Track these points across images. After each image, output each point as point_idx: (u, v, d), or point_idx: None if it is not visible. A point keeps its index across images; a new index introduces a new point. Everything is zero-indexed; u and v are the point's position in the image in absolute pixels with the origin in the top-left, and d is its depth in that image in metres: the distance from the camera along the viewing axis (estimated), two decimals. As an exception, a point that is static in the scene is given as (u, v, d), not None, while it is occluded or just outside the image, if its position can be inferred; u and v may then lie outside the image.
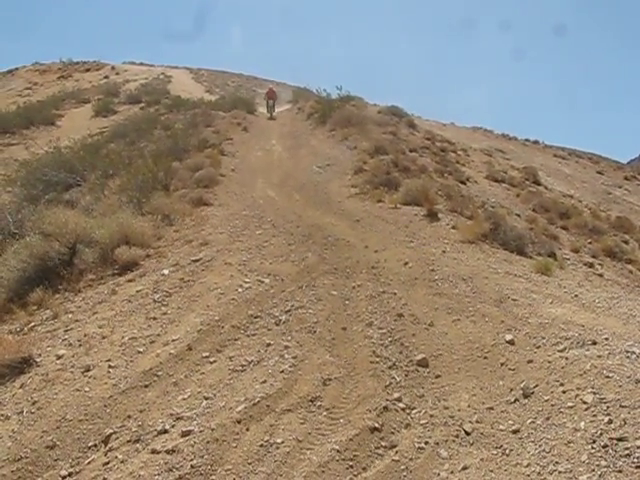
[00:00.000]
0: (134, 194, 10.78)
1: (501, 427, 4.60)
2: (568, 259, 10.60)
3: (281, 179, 12.37)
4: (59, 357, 6.32)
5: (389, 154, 13.63)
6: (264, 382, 5.36)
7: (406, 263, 7.32)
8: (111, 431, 5.12)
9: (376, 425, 4.76)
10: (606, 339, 5.31)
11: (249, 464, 4.52)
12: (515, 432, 4.50)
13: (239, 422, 4.91)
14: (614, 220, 15.71)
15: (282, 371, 5.48)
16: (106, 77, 33.90)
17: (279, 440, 4.70)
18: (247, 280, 7.11)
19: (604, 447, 4.04)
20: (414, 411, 4.94)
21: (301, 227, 8.83)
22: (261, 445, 4.67)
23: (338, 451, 4.55)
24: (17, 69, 37.28)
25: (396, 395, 5.09)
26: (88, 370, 6.00)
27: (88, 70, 36.39)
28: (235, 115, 20.62)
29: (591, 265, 10.68)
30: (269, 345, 5.88)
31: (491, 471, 4.20)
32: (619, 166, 30.38)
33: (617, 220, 15.76)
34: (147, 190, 11.01)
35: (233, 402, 5.15)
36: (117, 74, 34.86)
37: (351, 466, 4.45)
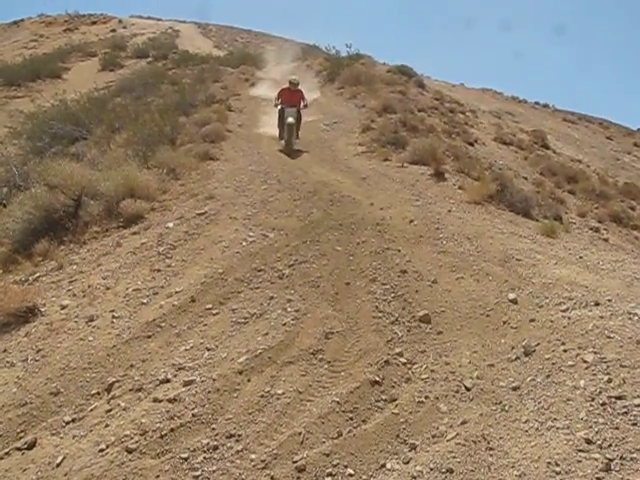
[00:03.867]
0: (140, 148, 10.74)
1: (501, 384, 4.62)
2: (574, 223, 10.57)
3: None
4: (63, 307, 6.36)
5: (397, 113, 13.53)
6: (266, 334, 5.39)
7: (411, 221, 7.29)
8: (114, 380, 5.18)
9: (377, 379, 4.80)
10: (609, 300, 5.30)
11: (249, 414, 4.57)
12: (515, 389, 4.53)
13: (240, 373, 4.96)
14: (622, 186, 15.62)
15: (284, 324, 5.50)
16: (113, 30, 33.53)
17: (280, 391, 4.74)
18: (252, 234, 7.11)
19: (602, 405, 4.07)
20: (415, 366, 4.96)
21: (307, 183, 8.80)
22: (262, 396, 4.72)
23: (338, 403, 4.59)
24: (22, 20, 36.86)
25: (398, 350, 5.12)
26: (92, 320, 6.04)
27: (95, 23, 35.97)
28: (243, 71, 20.43)
29: (597, 230, 10.66)
30: (272, 298, 5.89)
31: (490, 426, 4.23)
32: (629, 132, 30.08)
33: (625, 186, 15.67)
34: (153, 144, 10.96)
35: (235, 353, 5.19)
36: (124, 28, 34.48)
37: (351, 418, 4.49)
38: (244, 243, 6.94)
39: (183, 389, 4.87)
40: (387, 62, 21.25)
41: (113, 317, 6.03)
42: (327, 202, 7.88)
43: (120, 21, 36.25)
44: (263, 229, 7.24)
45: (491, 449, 4.05)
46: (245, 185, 8.92)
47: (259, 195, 8.41)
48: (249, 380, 4.89)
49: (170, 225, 7.76)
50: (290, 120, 12.15)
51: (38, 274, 7.17)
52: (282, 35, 33.01)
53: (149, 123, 11.86)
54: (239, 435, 4.41)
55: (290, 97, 12.68)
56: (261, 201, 8.17)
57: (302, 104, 12.76)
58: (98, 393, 5.11)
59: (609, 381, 4.24)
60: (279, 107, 12.49)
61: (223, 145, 11.56)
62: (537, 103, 29.09)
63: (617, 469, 3.61)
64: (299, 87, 12.92)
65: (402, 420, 4.42)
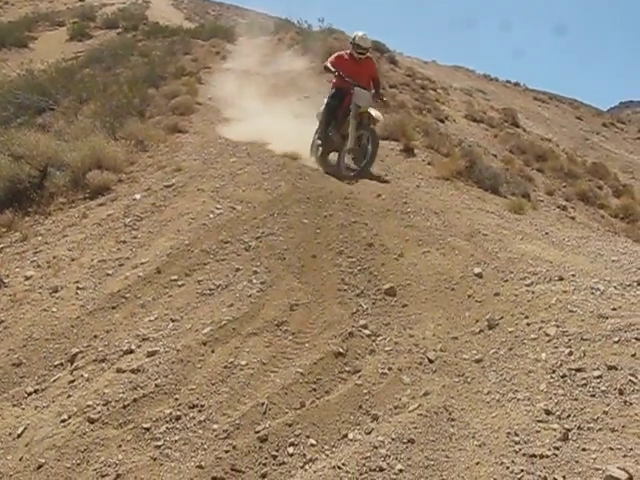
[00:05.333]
0: (108, 119, 10.58)
1: (464, 356, 4.67)
2: (542, 201, 10.67)
3: (259, 109, 12.20)
4: (27, 278, 6.28)
5: (369, 89, 13.47)
6: (231, 306, 5.37)
7: (379, 195, 7.30)
8: (77, 350, 5.14)
9: (341, 350, 4.82)
10: (573, 275, 5.36)
11: (213, 384, 4.57)
12: (478, 361, 4.57)
13: (204, 344, 4.94)
14: (590, 166, 15.79)
15: (250, 295, 5.49)
16: (81, 0, 32.84)
17: (243, 362, 4.74)
18: (219, 206, 7.07)
19: (563, 377, 4.13)
20: (379, 338, 4.99)
21: (276, 157, 8.75)
22: (225, 367, 4.71)
23: (302, 374, 4.60)
24: (-14, -14, 35.95)
25: (362, 322, 5.14)
26: (56, 291, 5.97)
27: (63, -9, 35.15)
28: (214, 44, 20.19)
29: (564, 208, 10.78)
30: (238, 270, 5.87)
31: (452, 397, 4.28)
32: (598, 113, 30.39)
33: (593, 166, 15.85)
34: (121, 116, 10.84)
35: (199, 324, 5.18)
36: (93, -3, 33.80)
37: (314, 389, 4.51)
38: (211, 215, 6.89)
39: (147, 360, 4.84)
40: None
41: (78, 288, 5.97)
42: (295, 175, 7.85)
43: (89, -10, 35.51)
44: (231, 201, 7.19)
45: (452, 420, 4.10)
46: (214, 158, 8.85)
47: (227, 168, 8.35)
48: (213, 351, 4.87)
49: (137, 197, 7.69)
50: (370, 111, 8.60)
51: (2, 245, 7.08)
52: (254, 8, 32.67)
53: (118, 94, 11.72)
54: (202, 405, 4.41)
55: (355, 72, 8.88)
56: (229, 174, 8.11)
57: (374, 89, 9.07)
58: (61, 364, 5.07)
59: (570, 354, 4.30)
60: (333, 90, 9.05)
61: (192, 117, 11.45)
62: (508, 81, 29.20)
63: (574, 438, 3.67)
64: (369, 54, 9.19)
65: (365, 391, 4.45)
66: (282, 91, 13.00)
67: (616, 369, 4.06)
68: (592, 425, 3.73)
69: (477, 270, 5.65)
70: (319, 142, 9.34)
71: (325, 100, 9.36)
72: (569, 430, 3.72)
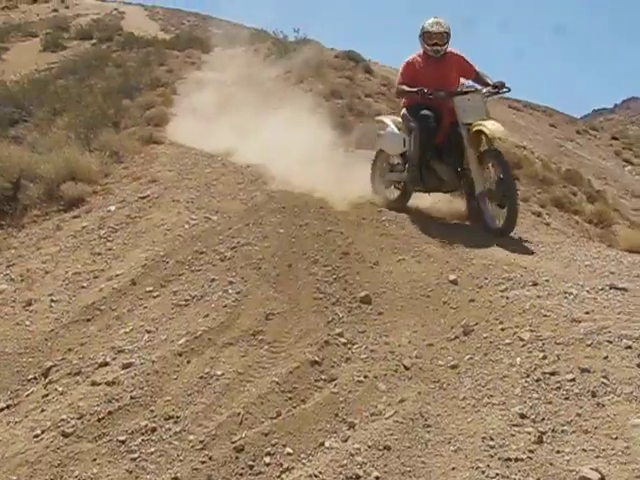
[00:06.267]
0: (82, 131, 10.53)
1: (440, 362, 4.68)
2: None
3: (235, 120, 12.20)
4: (0, 292, 6.23)
5: (344, 98, 13.56)
6: (207, 316, 5.36)
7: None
8: (51, 364, 5.11)
9: (317, 359, 4.81)
10: (546, 280, 5.40)
11: (188, 395, 4.55)
12: (453, 367, 4.59)
13: (180, 355, 4.93)
14: (564, 172, 15.93)
15: (225, 305, 5.48)
16: (55, 10, 32.55)
17: (219, 372, 4.73)
18: (194, 217, 7.07)
19: (537, 381, 4.16)
20: (355, 346, 4.99)
21: (251, 167, 8.76)
22: (201, 377, 4.70)
23: (278, 383, 4.59)
24: (-44, -4, 35.54)
25: (338, 330, 5.14)
26: (30, 304, 5.94)
27: (35, 1, 34.83)
28: (189, 54, 20.17)
29: (539, 214, 10.85)
30: (213, 280, 5.86)
31: (427, 404, 4.29)
32: (572, 120, 30.70)
33: (567, 172, 15.98)
34: (96, 127, 10.77)
35: (175, 335, 5.16)
36: (67, 8, 33.47)
37: (290, 398, 4.50)
38: (186, 226, 6.89)
39: (122, 372, 4.82)
40: (335, 47, 21.21)
41: (52, 301, 5.94)
42: (270, 184, 7.86)
43: (62, 0, 35.24)
44: (206, 212, 7.20)
45: (428, 426, 4.11)
46: (189, 168, 8.85)
47: (203, 178, 8.36)
48: (189, 362, 4.86)
49: (112, 208, 7.67)
50: (484, 126, 6.41)
51: (-26, 259, 7.01)
52: (230, 19, 32.63)
53: (92, 106, 11.66)
54: (177, 417, 4.39)
55: (439, 75, 7.00)
56: (205, 184, 8.11)
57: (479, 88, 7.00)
58: (35, 378, 5.03)
59: (544, 358, 4.34)
60: (417, 113, 6.99)
61: (168, 128, 11.42)
62: (483, 90, 29.32)
63: (549, 441, 3.70)
64: (449, 47, 7.12)
65: (341, 399, 4.45)
66: (257, 101, 12.99)
67: (589, 372, 4.10)
68: (566, 427, 3.76)
69: (452, 277, 5.68)
70: (410, 184, 7.34)
71: (390, 125, 7.64)
72: (543, 433, 3.76)
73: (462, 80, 7.40)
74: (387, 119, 8.02)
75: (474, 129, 6.57)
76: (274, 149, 9.00)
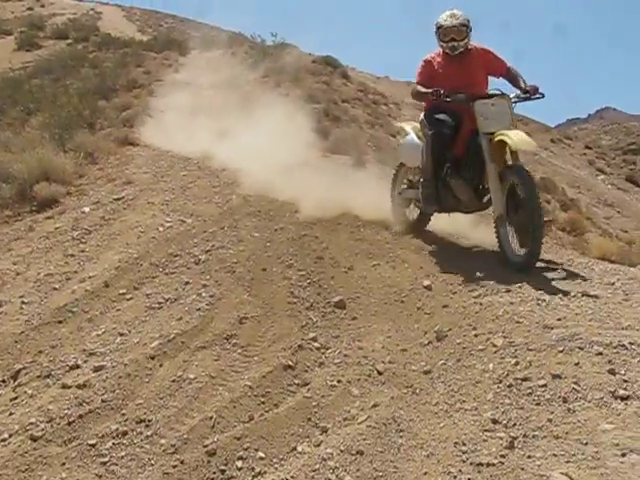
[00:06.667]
0: (57, 131, 10.46)
1: (413, 368, 4.69)
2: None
3: (211, 123, 12.17)
4: (-30, 293, 6.15)
5: (321, 103, 13.59)
6: (180, 319, 5.34)
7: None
8: (21, 366, 5.05)
9: (290, 363, 4.80)
10: (519, 287, 5.43)
11: (160, 399, 4.53)
12: (426, 373, 4.60)
13: (153, 358, 4.90)
14: (538, 181, 16.08)
15: (199, 309, 5.46)
16: (30, 9, 32.13)
17: (192, 376, 4.70)
18: (169, 219, 7.05)
19: (509, 387, 4.18)
20: (329, 351, 4.99)
21: (227, 170, 8.74)
22: (173, 380, 4.67)
23: (250, 387, 4.58)
24: None
25: (312, 335, 5.13)
26: (0, 306, 5.86)
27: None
28: (167, 56, 20.09)
29: (513, 222, 10.91)
30: (187, 283, 5.85)
31: (400, 408, 4.29)
32: (546, 129, 31.02)
33: (541, 181, 16.16)
34: (71, 127, 10.70)
35: (148, 338, 5.13)
36: (42, 6, 33.02)
37: (263, 402, 4.48)
38: (161, 228, 6.87)
39: (93, 375, 4.78)
40: (312, 52, 21.26)
41: (22, 303, 5.88)
42: (246, 188, 7.84)
43: (38, -1, 34.86)
44: (181, 214, 7.18)
45: (401, 431, 4.11)
46: (164, 171, 8.82)
47: (178, 181, 8.33)
48: (161, 365, 4.83)
49: (86, 210, 7.63)
50: (508, 137, 5.55)
51: (-56, 259, 6.91)
52: (208, 22, 32.54)
53: (67, 106, 11.58)
54: (149, 420, 4.36)
55: (459, 75, 6.11)
56: (180, 187, 8.09)
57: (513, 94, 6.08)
58: (3, 381, 4.98)
59: (516, 364, 4.36)
60: (432, 118, 6.27)
61: (144, 130, 11.35)
62: (459, 98, 29.51)
63: (520, 446, 3.71)
64: (470, 42, 6.25)
65: (314, 404, 4.44)
66: (234, 105, 12.97)
67: (560, 378, 4.12)
68: (537, 433, 3.78)
69: (426, 282, 5.69)
70: (424, 202, 6.55)
71: (411, 133, 6.82)
72: (515, 438, 3.77)
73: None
74: (408, 126, 7.09)
75: (496, 139, 5.67)
76: (250, 153, 8.97)
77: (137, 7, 36.24)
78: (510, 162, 5.82)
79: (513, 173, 5.67)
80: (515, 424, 3.88)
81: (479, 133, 5.85)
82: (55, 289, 6.05)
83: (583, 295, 5.10)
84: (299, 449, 4.11)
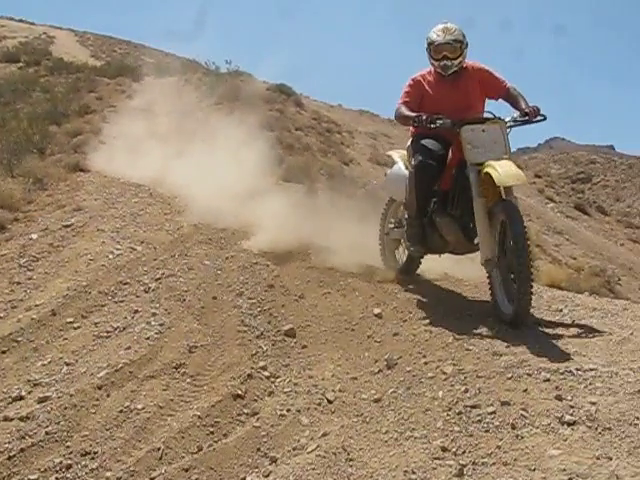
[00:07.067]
0: (5, 156, 10.29)
1: (363, 396, 4.68)
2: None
3: (164, 150, 12.12)
4: None
5: (274, 131, 13.66)
6: (128, 348, 5.27)
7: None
8: (-39, 398, 4.91)
9: (239, 392, 4.76)
10: (469, 315, 5.50)
11: (107, 430, 4.44)
12: (376, 401, 4.60)
13: (100, 388, 4.82)
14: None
15: (148, 338, 5.40)
16: (-20, 32, 31.81)
17: (140, 406, 4.63)
18: (119, 247, 6.98)
19: (458, 414, 4.21)
20: (278, 379, 4.97)
21: (179, 197, 8.70)
22: (121, 411, 4.60)
23: (199, 417, 4.53)
24: None
25: (262, 364, 5.10)
26: (-58, 334, 5.71)
27: (-42, 21, 33.97)
28: (120, 82, 19.98)
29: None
30: (136, 312, 5.78)
31: (350, 437, 4.28)
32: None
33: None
34: (20, 153, 10.54)
35: (95, 368, 5.05)
36: (-7, 29, 32.79)
37: (212, 432, 4.44)
38: (110, 256, 6.79)
39: (37, 406, 4.67)
40: (267, 80, 21.38)
41: (-35, 332, 5.73)
42: (198, 216, 7.81)
43: (-12, 22, 34.47)
44: (131, 242, 7.12)
45: (351, 460, 4.10)
46: (115, 197, 8.73)
47: (129, 208, 8.26)
48: (108, 395, 4.75)
49: (34, 236, 7.50)
50: (492, 168, 4.93)
51: None
52: (162, 48, 32.51)
53: (17, 130, 11.43)
54: (95, 452, 4.27)
55: (451, 99, 5.52)
56: (131, 214, 8.02)
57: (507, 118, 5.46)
58: (-57, 413, 4.82)
59: (466, 391, 4.40)
60: (418, 144, 5.61)
61: (95, 156, 11.22)
62: (413, 127, 29.90)
63: (469, 474, 3.74)
64: (465, 60, 5.60)
65: (263, 433, 4.40)
66: (187, 132, 12.94)
67: (509, 404, 4.17)
68: (486, 460, 3.81)
69: (377, 310, 5.72)
70: (408, 243, 6.00)
71: (399, 162, 6.16)
72: (464, 466, 3.79)
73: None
74: (396, 154, 6.39)
75: (484, 171, 5.05)
76: (203, 180, 8.94)
77: (91, 32, 35.98)
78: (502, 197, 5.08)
79: (501, 210, 5.00)
80: (464, 452, 3.91)
81: (468, 166, 5.22)
82: (0, 318, 5.92)
83: (532, 322, 5.18)
84: (248, 479, 4.08)
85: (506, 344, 4.86)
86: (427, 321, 5.45)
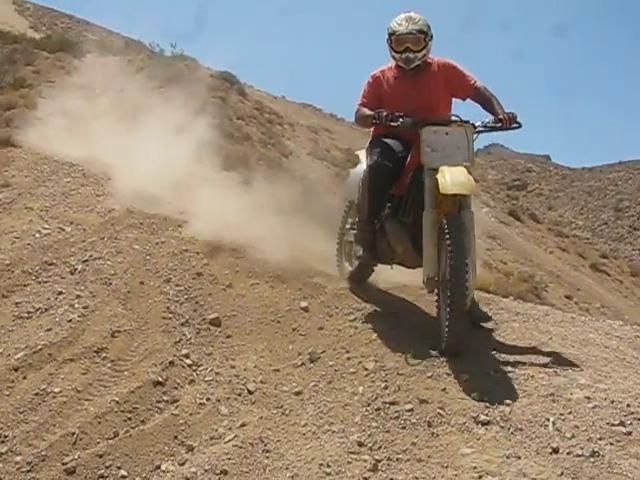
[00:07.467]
0: None
1: (284, 388, 4.72)
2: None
3: (101, 130, 11.87)
4: None
5: (215, 118, 13.51)
6: (49, 330, 5.18)
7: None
8: None
9: (160, 379, 4.74)
10: (395, 313, 5.57)
11: (20, 413, 4.38)
12: (297, 394, 4.64)
13: (16, 370, 4.74)
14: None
15: (70, 320, 5.32)
16: None
17: (57, 389, 4.58)
18: (47, 226, 6.83)
19: (377, 410, 4.29)
20: (200, 368, 4.96)
21: (113, 179, 8.54)
22: (36, 394, 4.53)
23: (117, 403, 4.49)
24: None
25: (184, 351, 5.09)
26: None
27: None
28: (60, 57, 19.46)
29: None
30: (60, 293, 5.69)
31: (268, 429, 4.31)
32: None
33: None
34: (-54, 125, 10.21)
35: (12, 349, 4.96)
36: None
37: (129, 418, 4.41)
38: (37, 235, 6.64)
39: (-51, 386, 4.56)
40: (211, 67, 21.15)
41: None
42: (131, 199, 7.69)
43: None
44: (60, 222, 6.97)
45: (267, 451, 4.12)
46: (47, 176, 8.51)
47: (60, 187, 8.07)
48: (25, 377, 4.68)
49: (-44, 212, 7.27)
50: (444, 174, 4.54)
51: None
52: (106, 26, 31.76)
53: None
54: (5, 436, 4.21)
55: (412, 96, 5.08)
56: (62, 193, 7.85)
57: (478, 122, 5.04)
58: None
59: (385, 388, 4.48)
60: (375, 144, 5.23)
61: (29, 132, 10.90)
62: (354, 123, 30.01)
63: (384, 469, 3.82)
64: (429, 53, 5.16)
65: (181, 421, 4.40)
66: (126, 113, 12.70)
67: (427, 402, 4.26)
68: (401, 456, 3.89)
69: (304, 304, 5.73)
70: (357, 247, 5.55)
71: (364, 162, 5.54)
72: (379, 461, 3.86)
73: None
74: (363, 154, 5.71)
75: (435, 177, 4.64)
76: (138, 163, 8.79)
77: (30, 2, 34.77)
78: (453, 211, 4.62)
79: (448, 227, 4.51)
80: (380, 447, 3.98)
81: (425, 170, 4.78)
82: None
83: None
84: (163, 467, 4.06)
85: (428, 342, 4.93)
86: (353, 317, 5.50)
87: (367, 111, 5.13)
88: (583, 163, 57.72)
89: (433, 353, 4.70)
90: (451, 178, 4.47)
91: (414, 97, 5.06)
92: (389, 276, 6.11)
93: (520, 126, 5.00)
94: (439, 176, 4.54)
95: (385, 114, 4.83)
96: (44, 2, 35.76)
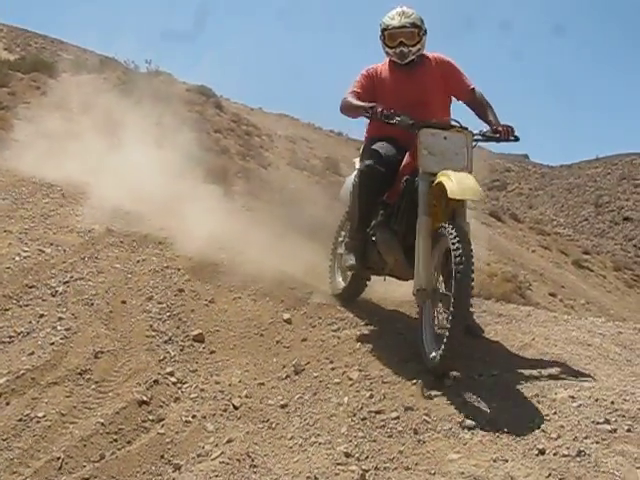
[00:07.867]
0: None
1: (270, 402, 4.72)
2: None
3: (79, 149, 11.83)
4: None
5: (192, 132, 13.51)
6: (32, 354, 5.14)
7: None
8: None
9: (145, 398, 4.72)
10: (378, 321, 5.59)
11: (4, 440, 4.33)
12: (283, 407, 4.65)
13: (-1, 396, 4.69)
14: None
15: (52, 343, 5.27)
16: None
17: (40, 414, 4.53)
18: (26, 249, 6.77)
19: (363, 419, 4.30)
20: (185, 385, 4.95)
21: (92, 198, 8.51)
22: (20, 419, 4.48)
23: (102, 424, 4.46)
24: None
25: (169, 369, 5.08)
26: None
27: None
28: (35, 78, 19.39)
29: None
30: (42, 316, 5.64)
31: (255, 444, 4.30)
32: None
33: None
34: None
35: (-5, 375, 4.91)
36: None
37: (115, 439, 4.38)
38: (17, 258, 6.58)
39: None
40: (187, 81, 21.15)
41: None
42: (110, 217, 7.67)
43: None
44: (40, 244, 6.92)
45: (255, 466, 4.12)
46: (25, 197, 8.45)
47: (39, 209, 8.02)
48: (8, 403, 4.63)
49: None
50: (445, 178, 4.26)
51: None
52: (80, 44, 31.71)
53: None
54: (-11, 464, 4.16)
55: (407, 92, 4.91)
56: (41, 215, 7.80)
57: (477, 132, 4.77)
58: None
59: (371, 397, 4.50)
60: (369, 147, 5.03)
61: (6, 154, 10.86)
62: (332, 131, 30.22)
63: (371, 479, 3.82)
64: (424, 48, 5.01)
65: (168, 440, 4.38)
66: (104, 131, 12.67)
67: (412, 410, 4.28)
68: (388, 465, 3.90)
69: (286, 316, 5.75)
70: (347, 256, 5.36)
71: (356, 168, 5.32)
72: (366, 471, 3.87)
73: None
74: (358, 161, 5.46)
75: (437, 182, 4.36)
76: (117, 181, 8.77)
77: (3, 23, 34.60)
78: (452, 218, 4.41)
79: (448, 235, 4.21)
80: (367, 457, 3.99)
81: (420, 174, 4.52)
82: None
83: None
84: (150, 488, 4.04)
85: (412, 350, 4.96)
86: (336, 327, 5.52)
87: (359, 102, 4.89)
88: (561, 161, 58.27)
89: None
90: (460, 183, 4.21)
91: (408, 91, 4.90)
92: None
93: (518, 139, 4.86)
94: (444, 179, 4.26)
95: (381, 110, 4.61)
96: (18, 23, 35.65)
